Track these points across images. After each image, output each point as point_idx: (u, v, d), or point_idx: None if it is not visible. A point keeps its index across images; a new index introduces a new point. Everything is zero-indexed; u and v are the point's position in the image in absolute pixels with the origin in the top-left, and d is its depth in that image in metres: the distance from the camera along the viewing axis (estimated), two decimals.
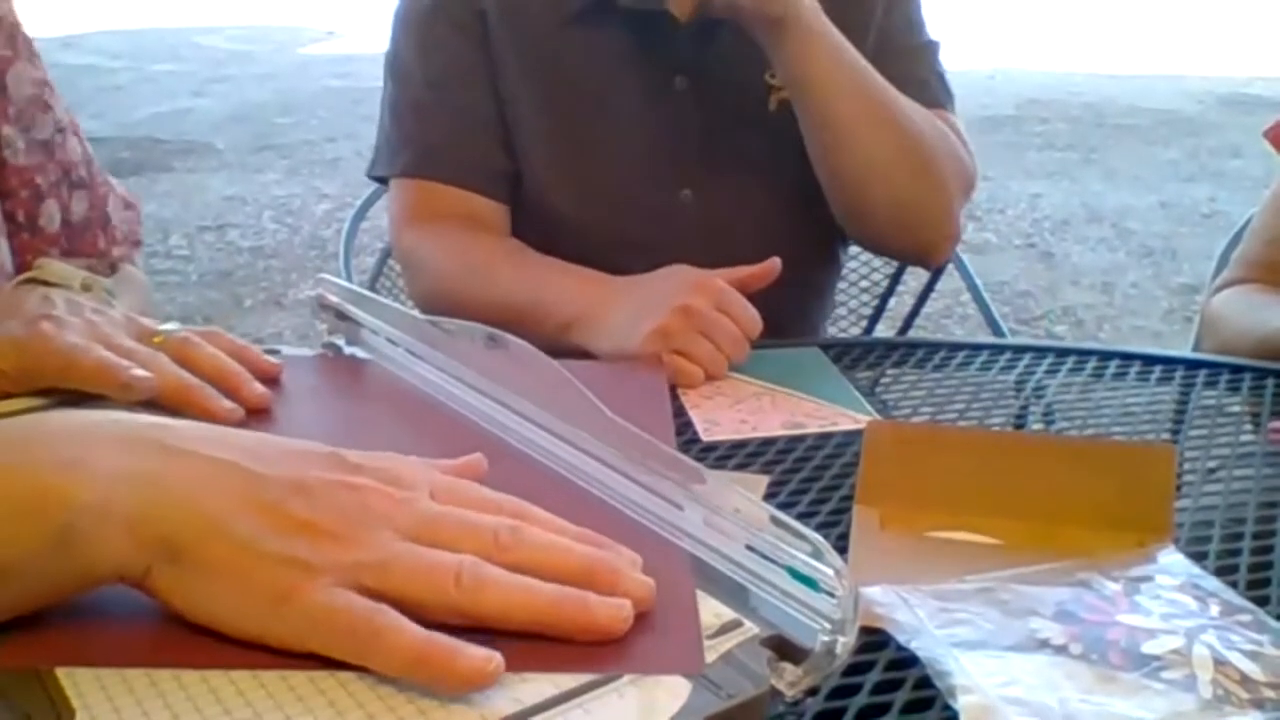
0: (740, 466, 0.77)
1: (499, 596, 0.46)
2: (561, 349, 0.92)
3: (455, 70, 1.14)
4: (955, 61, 1.24)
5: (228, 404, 0.68)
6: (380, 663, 0.43)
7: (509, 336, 0.66)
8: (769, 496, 0.72)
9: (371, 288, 1.50)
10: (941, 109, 1.15)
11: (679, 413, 0.83)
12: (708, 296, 0.88)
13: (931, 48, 1.19)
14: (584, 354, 0.93)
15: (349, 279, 1.53)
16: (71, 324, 0.70)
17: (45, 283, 0.77)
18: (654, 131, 1.12)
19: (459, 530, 0.48)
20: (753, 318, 0.89)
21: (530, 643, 0.46)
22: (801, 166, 1.11)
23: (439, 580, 0.45)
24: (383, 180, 1.21)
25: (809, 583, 0.48)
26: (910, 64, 1.15)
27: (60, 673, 0.43)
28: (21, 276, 0.79)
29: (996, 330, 1.49)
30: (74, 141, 0.94)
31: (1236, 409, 0.93)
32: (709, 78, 1.11)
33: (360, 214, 1.57)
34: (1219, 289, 1.24)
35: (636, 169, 1.12)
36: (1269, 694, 0.52)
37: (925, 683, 0.53)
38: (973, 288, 1.52)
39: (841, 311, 1.52)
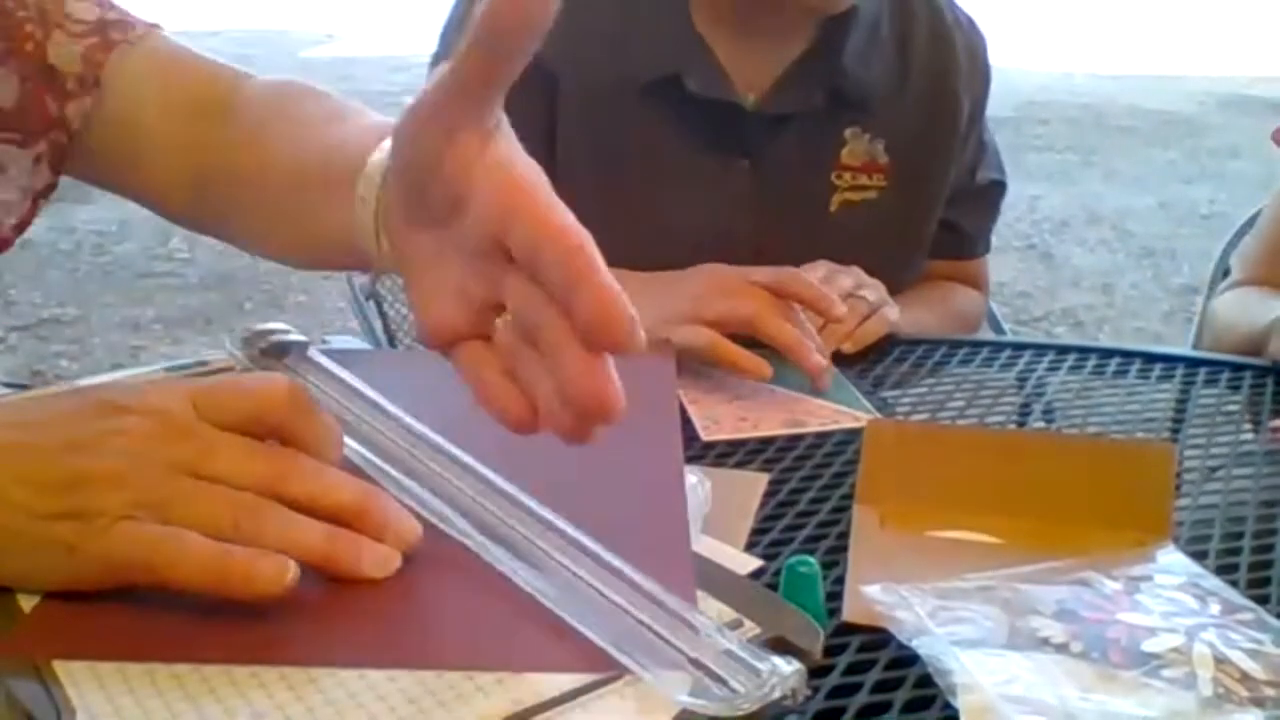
0: (740, 464, 0.77)
1: (276, 538, 0.47)
2: None
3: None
4: None
5: None
6: (183, 579, 0.45)
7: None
8: (769, 495, 0.72)
9: (372, 290, 1.50)
10: (979, 258, 1.29)
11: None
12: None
13: (999, 188, 1.27)
14: None
15: (349, 283, 1.54)
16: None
17: None
18: (711, 208, 1.12)
19: (234, 467, 0.49)
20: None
21: (529, 644, 0.46)
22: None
23: (218, 521, 0.47)
24: None
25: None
26: (978, 209, 1.26)
27: (60, 671, 0.43)
28: None
29: (997, 331, 1.49)
30: None
31: (1237, 407, 0.93)
32: (773, 164, 1.11)
33: None
34: (1224, 290, 1.25)
35: (689, 242, 1.10)
36: (1269, 692, 0.52)
37: (926, 681, 0.53)
38: None
39: None
